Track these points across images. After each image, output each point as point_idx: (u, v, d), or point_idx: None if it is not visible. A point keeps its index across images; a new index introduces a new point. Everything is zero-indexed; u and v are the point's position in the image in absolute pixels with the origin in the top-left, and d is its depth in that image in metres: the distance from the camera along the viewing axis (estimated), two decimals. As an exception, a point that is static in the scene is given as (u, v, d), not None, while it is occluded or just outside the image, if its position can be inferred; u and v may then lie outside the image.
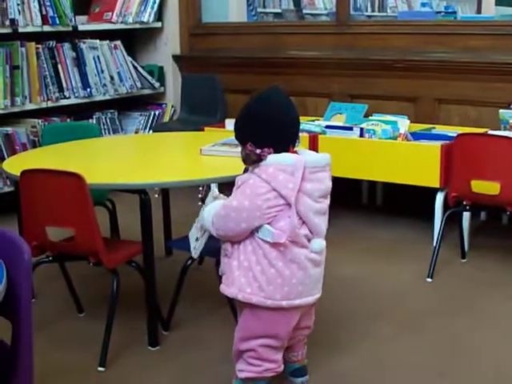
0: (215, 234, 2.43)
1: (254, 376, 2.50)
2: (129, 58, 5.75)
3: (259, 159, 2.34)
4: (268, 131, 2.35)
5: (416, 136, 4.47)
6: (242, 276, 2.39)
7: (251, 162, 2.37)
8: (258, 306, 2.39)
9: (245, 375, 2.51)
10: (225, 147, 3.28)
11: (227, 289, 2.44)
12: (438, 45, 4.83)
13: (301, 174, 2.29)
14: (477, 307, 3.44)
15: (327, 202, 2.43)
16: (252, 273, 2.37)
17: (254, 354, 2.48)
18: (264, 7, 8.27)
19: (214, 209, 2.42)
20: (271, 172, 2.31)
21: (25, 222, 2.99)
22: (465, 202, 3.77)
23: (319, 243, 2.41)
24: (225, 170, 3.03)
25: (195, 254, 2.64)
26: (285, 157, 2.33)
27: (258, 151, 2.33)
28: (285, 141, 2.37)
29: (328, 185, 2.41)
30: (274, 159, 2.32)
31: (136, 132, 5.82)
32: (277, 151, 2.33)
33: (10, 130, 4.99)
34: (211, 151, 3.29)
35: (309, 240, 2.39)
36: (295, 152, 2.39)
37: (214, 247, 2.56)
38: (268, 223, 2.34)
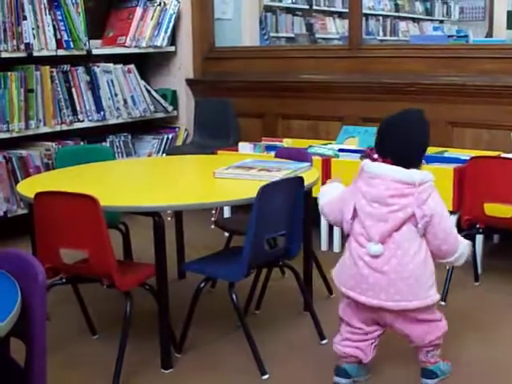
0: None
1: None
2: (142, 82, 5.79)
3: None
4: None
5: (429, 159, 4.46)
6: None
7: None
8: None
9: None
10: (238, 170, 3.28)
11: None
12: (450, 68, 4.85)
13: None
14: (490, 330, 3.42)
15: (384, 210, 2.57)
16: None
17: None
18: (276, 32, 8.35)
19: None
20: None
21: (39, 244, 3.00)
22: (478, 225, 3.76)
23: (374, 248, 2.59)
24: (238, 193, 3.04)
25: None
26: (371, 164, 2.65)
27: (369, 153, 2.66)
28: (383, 150, 2.64)
29: (380, 191, 2.58)
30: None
31: (149, 155, 5.84)
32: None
33: (24, 152, 5.02)
34: (225, 174, 3.28)
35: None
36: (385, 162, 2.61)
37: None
38: None
